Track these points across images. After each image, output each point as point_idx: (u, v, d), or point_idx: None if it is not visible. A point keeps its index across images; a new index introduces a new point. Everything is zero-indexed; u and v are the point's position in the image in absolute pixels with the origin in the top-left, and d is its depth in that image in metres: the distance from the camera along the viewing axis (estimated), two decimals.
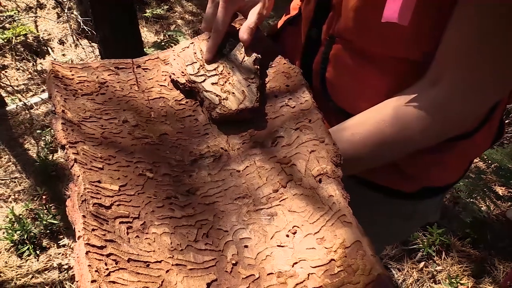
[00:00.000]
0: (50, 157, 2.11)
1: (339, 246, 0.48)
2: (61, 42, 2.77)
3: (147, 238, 0.50)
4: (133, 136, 0.62)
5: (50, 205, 1.90)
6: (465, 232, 1.89)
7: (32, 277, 1.69)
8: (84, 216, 0.48)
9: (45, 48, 2.72)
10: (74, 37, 2.74)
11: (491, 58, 0.53)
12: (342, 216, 0.50)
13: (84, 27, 2.65)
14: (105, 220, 0.49)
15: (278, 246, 0.51)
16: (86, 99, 0.66)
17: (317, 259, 0.48)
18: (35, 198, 1.94)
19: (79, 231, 0.46)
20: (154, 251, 0.48)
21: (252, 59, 0.68)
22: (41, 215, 1.82)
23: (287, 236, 0.51)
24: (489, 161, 1.88)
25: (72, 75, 0.70)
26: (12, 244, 1.76)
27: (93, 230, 0.47)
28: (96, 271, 0.43)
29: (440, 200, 0.83)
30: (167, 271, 0.47)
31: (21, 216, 1.84)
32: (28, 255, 1.74)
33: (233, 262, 0.50)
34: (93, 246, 0.45)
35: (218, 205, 0.56)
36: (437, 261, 1.81)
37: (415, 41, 0.57)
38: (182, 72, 0.70)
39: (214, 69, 0.69)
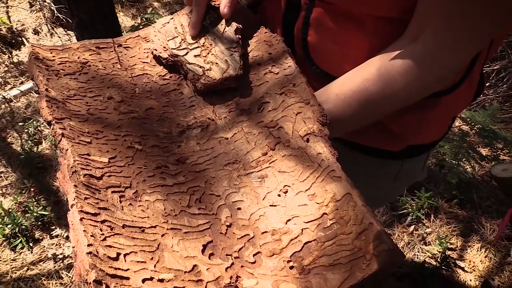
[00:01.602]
0: (35, 149, 2.09)
1: (330, 200, 0.49)
2: (36, 32, 2.71)
3: (140, 206, 0.50)
4: (119, 111, 0.63)
5: (39, 196, 1.89)
6: (452, 194, 1.93)
7: (28, 269, 1.68)
8: (75, 186, 0.48)
9: (20, 39, 2.65)
10: (49, 26, 2.68)
11: (469, 11, 0.54)
12: (331, 172, 0.51)
13: (59, 15, 2.59)
14: (97, 189, 0.49)
15: (270, 206, 0.52)
16: (69, 78, 0.66)
17: (310, 215, 0.49)
18: (23, 191, 1.92)
19: (72, 200, 0.47)
20: (148, 217, 0.49)
21: (233, 29, 0.69)
22: (31, 208, 1.80)
23: (279, 195, 0.52)
24: (472, 123, 1.91)
25: (53, 56, 0.70)
26: (4, 238, 1.75)
27: (85, 198, 0.47)
28: (91, 236, 0.43)
29: (426, 158, 0.85)
30: (162, 235, 0.48)
31: (10, 210, 1.82)
32: (22, 248, 1.74)
33: (227, 224, 0.51)
34: (87, 213, 0.45)
35: (208, 172, 0.56)
36: (426, 224, 1.86)
37: None
38: (164, 47, 0.70)
39: (196, 42, 0.69)
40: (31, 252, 1.74)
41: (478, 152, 1.85)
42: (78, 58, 0.71)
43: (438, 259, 1.72)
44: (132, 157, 0.56)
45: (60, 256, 1.73)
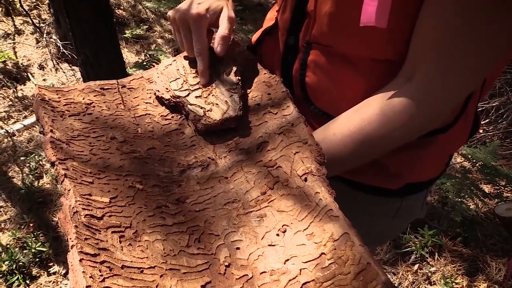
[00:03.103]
0: (36, 183, 2.09)
1: (328, 239, 0.49)
2: (41, 67, 2.77)
3: (139, 246, 0.50)
4: (121, 151, 0.64)
5: (38, 232, 1.87)
6: (456, 232, 1.91)
7: None
8: (76, 226, 0.48)
9: (25, 74, 2.71)
10: (54, 61, 2.74)
11: (462, 51, 0.55)
12: (329, 211, 0.51)
13: (64, 50, 2.66)
14: (97, 230, 0.50)
15: (269, 245, 0.52)
16: (74, 119, 0.68)
17: (308, 254, 0.49)
18: (22, 227, 1.91)
19: (72, 240, 0.47)
20: (147, 257, 0.49)
21: (233, 70, 0.71)
22: (29, 243, 1.79)
23: (277, 235, 0.52)
24: (474, 160, 1.91)
25: (59, 97, 0.71)
26: (0, 275, 1.72)
27: (86, 239, 0.47)
28: (90, 277, 0.43)
29: (425, 196, 0.85)
30: (161, 276, 0.47)
31: (8, 246, 1.81)
32: (18, 286, 1.71)
33: (226, 264, 0.50)
34: (87, 254, 0.45)
35: (208, 211, 0.57)
36: (430, 262, 1.83)
37: (390, 42, 0.60)
38: (167, 89, 0.72)
39: (197, 83, 0.71)
40: None
41: (481, 189, 1.85)
42: (83, 99, 0.72)
43: None
44: (133, 197, 0.56)
45: None
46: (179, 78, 0.72)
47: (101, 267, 0.45)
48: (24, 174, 2.14)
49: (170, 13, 0.71)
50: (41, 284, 1.73)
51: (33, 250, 1.78)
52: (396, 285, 1.75)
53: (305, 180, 0.55)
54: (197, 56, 0.68)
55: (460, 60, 0.56)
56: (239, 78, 0.70)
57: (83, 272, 0.43)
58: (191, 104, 0.68)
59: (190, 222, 0.55)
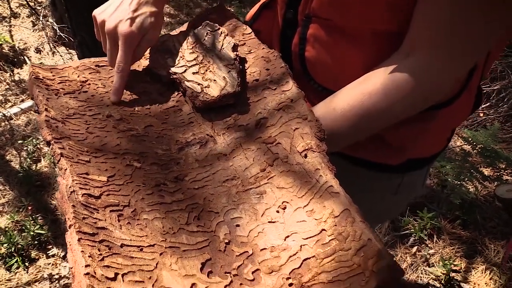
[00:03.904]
0: (34, 167, 2.08)
1: (329, 216, 0.48)
2: (38, 51, 2.73)
3: (138, 224, 0.49)
4: (118, 130, 0.63)
5: (37, 215, 1.87)
6: (455, 215, 1.91)
7: None
8: (74, 206, 0.47)
9: (22, 57, 2.68)
10: (51, 44, 2.71)
11: (463, 25, 0.54)
12: (330, 187, 0.50)
13: (61, 34, 2.62)
14: (95, 209, 0.49)
15: (269, 222, 0.51)
16: (69, 97, 0.67)
17: (308, 231, 0.48)
18: (21, 210, 1.91)
19: (69, 220, 0.46)
20: (146, 235, 0.48)
21: (230, 46, 0.69)
22: (28, 226, 1.79)
23: (277, 212, 0.51)
24: (474, 143, 1.91)
25: (53, 76, 0.70)
26: None
27: (83, 218, 0.46)
28: (89, 256, 0.42)
29: (427, 172, 0.84)
30: (161, 254, 0.47)
31: (7, 229, 1.81)
32: (17, 268, 1.71)
33: (226, 241, 0.50)
34: (85, 233, 0.45)
35: (207, 189, 0.56)
36: (429, 245, 1.84)
37: (390, 12, 0.58)
38: (163, 65, 0.70)
39: (194, 59, 0.69)
40: (27, 272, 1.71)
41: (481, 172, 1.84)
42: (78, 77, 0.71)
43: (442, 281, 1.69)
44: (131, 175, 0.55)
45: (56, 276, 1.71)
46: (175, 54, 0.70)
47: (100, 246, 0.45)
48: (22, 158, 2.13)
49: (97, 14, 0.68)
50: (40, 266, 1.73)
51: (32, 233, 1.78)
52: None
53: (305, 156, 0.54)
54: (117, 73, 0.66)
55: (461, 33, 0.55)
56: (237, 53, 0.68)
57: (82, 251, 0.43)
58: (188, 81, 0.66)
59: (189, 200, 0.54)
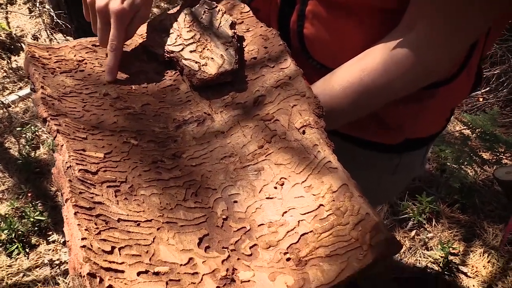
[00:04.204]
0: (33, 154, 2.07)
1: (327, 191, 0.48)
2: (35, 38, 2.71)
3: (136, 200, 0.49)
4: (115, 108, 0.62)
5: (36, 202, 1.87)
6: (454, 199, 1.92)
7: (24, 275, 1.66)
8: (70, 181, 0.47)
9: (19, 44, 2.66)
10: (48, 31, 2.68)
11: (464, 2, 0.53)
12: (328, 163, 0.50)
13: (58, 20, 2.59)
14: (92, 184, 0.48)
15: (267, 198, 0.51)
16: (65, 76, 0.66)
17: (306, 206, 0.48)
18: (20, 196, 1.91)
19: (66, 194, 0.46)
20: (143, 211, 0.48)
21: (228, 23, 0.69)
22: (28, 213, 1.79)
23: (275, 188, 0.51)
24: (473, 127, 1.90)
25: (49, 55, 0.70)
26: (0, 244, 1.73)
27: (80, 193, 0.46)
28: (86, 230, 0.42)
29: (425, 153, 0.84)
30: (158, 229, 0.47)
31: (7, 215, 1.81)
32: (18, 254, 1.72)
33: (224, 217, 0.50)
34: (81, 207, 0.44)
35: (205, 166, 0.56)
36: (428, 229, 1.84)
37: None
38: (160, 44, 0.70)
39: (192, 37, 0.68)
40: (27, 258, 1.72)
41: (480, 156, 1.84)
42: (75, 56, 0.71)
43: (441, 264, 1.70)
44: (128, 152, 0.55)
45: (57, 262, 1.71)
46: (172, 32, 0.69)
47: (97, 220, 0.44)
48: (20, 145, 2.12)
49: None
50: (40, 252, 1.74)
51: (32, 219, 1.78)
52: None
53: (303, 132, 0.54)
54: (110, 52, 0.65)
55: (462, 9, 0.54)
56: (235, 31, 0.68)
57: (78, 225, 0.43)
58: (185, 59, 0.66)
59: (187, 177, 0.54)
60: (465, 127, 1.99)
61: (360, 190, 0.47)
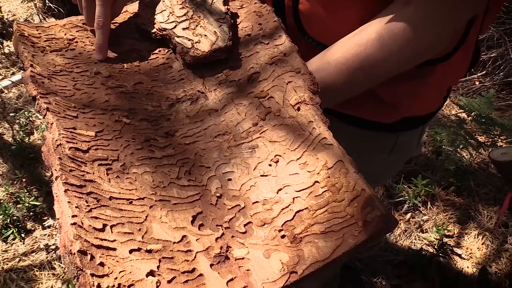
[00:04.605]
0: (27, 139, 2.06)
1: (322, 168, 0.48)
2: (27, 22, 2.67)
3: (128, 178, 0.48)
4: (106, 86, 0.61)
5: (31, 187, 1.86)
6: (449, 181, 1.92)
7: (19, 260, 1.66)
8: (60, 158, 0.46)
9: (11, 29, 2.61)
10: (40, 16, 2.64)
11: None
12: (323, 139, 0.49)
13: (50, 4, 2.55)
14: (83, 162, 0.48)
15: (261, 176, 0.50)
16: (55, 55, 0.65)
17: (301, 183, 0.48)
18: (15, 182, 1.90)
19: (56, 172, 0.45)
20: (136, 189, 0.47)
21: (221, 0, 0.67)
22: (23, 198, 1.78)
23: (270, 165, 0.51)
24: (470, 110, 1.90)
25: (39, 33, 0.69)
26: None
27: (70, 171, 0.45)
28: (76, 207, 0.42)
29: (422, 133, 0.83)
30: (150, 207, 0.46)
31: (2, 201, 1.80)
32: (13, 239, 1.71)
33: (218, 195, 0.49)
34: (72, 185, 0.44)
35: (198, 144, 0.55)
36: (423, 211, 1.85)
37: None
38: (152, 22, 0.68)
39: (184, 15, 0.67)
40: (23, 243, 1.71)
41: (476, 139, 1.84)
42: (65, 34, 0.70)
43: (435, 247, 1.71)
44: (120, 131, 0.54)
45: (53, 247, 1.71)
46: (165, 10, 0.68)
47: (88, 198, 0.44)
48: (14, 131, 2.10)
49: None
50: (36, 237, 1.74)
51: (27, 205, 1.77)
52: (388, 233, 1.77)
53: (298, 109, 0.53)
54: (97, 30, 0.63)
55: None
56: (228, 7, 0.66)
57: (69, 202, 0.42)
58: (178, 36, 0.64)
59: (180, 155, 0.53)
60: (461, 110, 1.99)
61: (355, 166, 0.46)
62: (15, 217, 1.74)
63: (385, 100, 0.69)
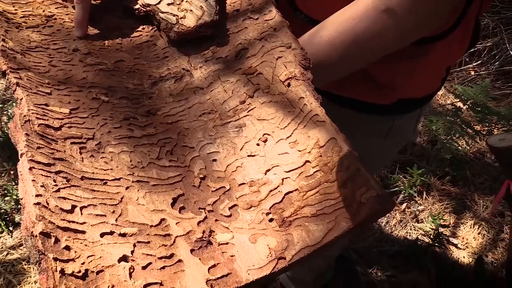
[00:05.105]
0: None
1: (313, 146, 0.44)
2: None
3: (103, 157, 0.45)
4: (85, 63, 0.58)
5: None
6: (445, 171, 1.90)
7: (7, 253, 1.62)
8: (27, 135, 0.42)
9: None
10: None
11: None
12: (315, 116, 0.46)
13: None
14: (54, 140, 0.44)
15: (248, 156, 0.47)
16: (31, 31, 0.62)
17: (291, 163, 0.44)
18: (3, 174, 1.85)
19: (21, 149, 0.41)
20: (111, 169, 0.44)
21: None
22: (11, 191, 1.74)
23: (258, 145, 0.47)
24: (465, 99, 1.87)
25: (15, 10, 0.66)
26: None
27: (38, 148, 0.42)
28: (42, 186, 0.38)
29: (419, 117, 0.80)
30: (127, 188, 0.42)
31: None
32: (1, 232, 1.67)
33: (201, 176, 0.46)
34: (39, 162, 0.40)
35: (182, 123, 0.51)
36: (418, 201, 1.82)
37: None
38: None
39: None
40: (11, 236, 1.67)
41: (472, 127, 1.81)
42: (43, 11, 0.66)
43: (431, 236, 1.69)
44: (97, 109, 0.51)
45: None
46: None
47: (56, 177, 0.40)
48: (2, 123, 2.06)
49: None
50: None
51: (15, 197, 1.73)
52: (384, 223, 1.75)
53: (288, 85, 0.50)
54: (77, 4, 0.59)
55: None
56: None
57: (33, 180, 0.38)
58: (162, 12, 0.61)
59: (162, 134, 0.49)
60: (456, 99, 1.96)
61: (349, 144, 0.43)
62: (2, 210, 1.70)
63: (380, 80, 0.66)
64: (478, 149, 2.00)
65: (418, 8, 0.52)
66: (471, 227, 1.72)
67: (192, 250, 0.39)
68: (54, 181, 0.39)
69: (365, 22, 0.53)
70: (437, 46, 0.63)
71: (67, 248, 0.34)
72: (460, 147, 1.93)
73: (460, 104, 1.98)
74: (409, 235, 1.71)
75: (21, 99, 0.47)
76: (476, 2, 0.62)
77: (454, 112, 1.84)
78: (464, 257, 1.64)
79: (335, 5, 0.58)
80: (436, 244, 1.65)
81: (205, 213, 0.42)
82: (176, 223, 0.41)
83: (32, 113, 0.45)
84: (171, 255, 0.38)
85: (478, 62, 2.53)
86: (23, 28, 0.62)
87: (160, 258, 0.37)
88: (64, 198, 0.38)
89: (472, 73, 2.51)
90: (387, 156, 0.94)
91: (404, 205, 1.81)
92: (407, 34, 0.56)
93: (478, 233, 1.70)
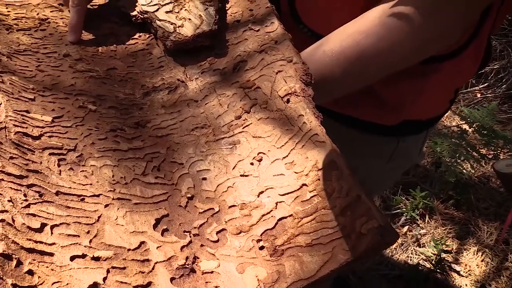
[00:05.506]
0: None
1: (311, 168, 0.41)
2: None
3: (83, 171, 0.41)
4: (74, 69, 0.55)
5: None
6: (448, 194, 1.85)
7: None
8: (0, 143, 0.39)
9: None
10: None
11: None
12: (314, 136, 0.42)
13: None
14: (30, 150, 0.41)
15: (241, 176, 0.43)
16: (22, 33, 0.60)
17: (286, 186, 0.41)
18: None
19: None
20: (91, 184, 0.40)
21: None
22: None
23: (252, 164, 0.44)
24: (471, 121, 1.83)
25: (8, 11, 0.64)
26: None
27: (11, 158, 0.38)
28: (9, 201, 0.34)
29: (424, 140, 0.76)
30: (106, 206, 0.39)
31: None
32: None
33: (189, 195, 0.42)
34: (9, 174, 0.37)
35: (172, 138, 0.48)
36: (420, 225, 1.78)
37: None
38: (133, 4, 0.62)
39: None
40: None
41: (477, 151, 1.77)
42: (37, 14, 0.64)
43: (433, 262, 1.64)
44: (83, 118, 0.48)
45: None
46: None
47: (28, 191, 0.37)
48: None
49: None
50: None
51: None
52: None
53: (287, 101, 0.47)
54: (72, 8, 0.58)
55: None
56: None
57: (0, 194, 0.35)
58: (160, 20, 0.58)
59: (149, 148, 0.46)
60: (462, 121, 1.92)
61: (350, 169, 0.39)
62: None
63: (385, 99, 0.63)
64: (483, 173, 1.96)
65: (428, 26, 0.49)
66: (474, 254, 1.67)
67: (172, 279, 0.35)
68: (25, 195, 0.36)
69: (372, 38, 0.50)
70: (446, 65, 0.60)
71: (30, 272, 0.31)
72: (464, 171, 1.89)
73: (465, 126, 1.95)
74: (410, 260, 1.66)
75: (0, 104, 0.44)
76: (489, 19, 0.59)
77: (460, 135, 1.80)
78: (466, 285, 1.58)
79: (340, 19, 0.55)
80: (438, 270, 1.60)
81: (190, 236, 0.39)
82: (157, 247, 0.37)
83: (10, 119, 0.42)
84: (148, 284, 0.34)
85: (485, 84, 2.50)
86: (14, 30, 0.59)
87: (135, 287, 0.33)
88: (34, 215, 0.35)
89: (479, 95, 2.48)
90: (390, 178, 0.90)
91: (405, 228, 1.76)
92: (415, 52, 0.52)
93: (482, 261, 1.65)
